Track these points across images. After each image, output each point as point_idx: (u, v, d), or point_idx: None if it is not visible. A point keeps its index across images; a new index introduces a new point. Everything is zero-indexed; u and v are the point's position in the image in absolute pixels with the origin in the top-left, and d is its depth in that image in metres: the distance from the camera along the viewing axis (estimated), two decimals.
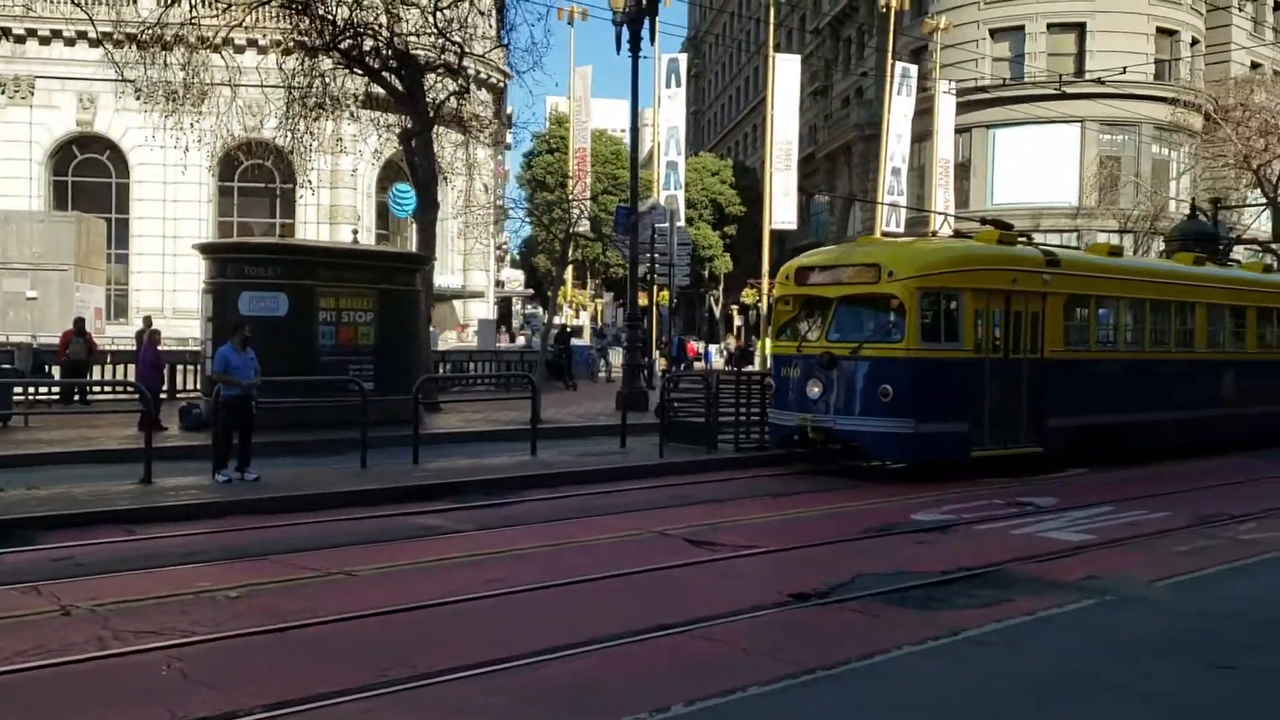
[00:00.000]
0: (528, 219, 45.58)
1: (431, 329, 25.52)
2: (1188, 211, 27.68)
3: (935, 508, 12.19)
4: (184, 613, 7.27)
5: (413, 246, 28.06)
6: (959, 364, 14.32)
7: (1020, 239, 16.44)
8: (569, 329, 40.51)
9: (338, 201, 42.55)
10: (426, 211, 22.99)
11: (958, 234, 17.58)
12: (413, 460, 14.28)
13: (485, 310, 49.89)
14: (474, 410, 22.73)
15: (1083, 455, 15.93)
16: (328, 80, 22.10)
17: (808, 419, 14.58)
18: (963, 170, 47.34)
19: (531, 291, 73.06)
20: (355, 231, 37.57)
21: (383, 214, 44.94)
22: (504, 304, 67.81)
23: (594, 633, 6.82)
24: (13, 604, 7.43)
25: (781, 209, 43.79)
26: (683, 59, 47.78)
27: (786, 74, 44.33)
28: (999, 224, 16.68)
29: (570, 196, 37.51)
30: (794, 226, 46.13)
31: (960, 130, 46.09)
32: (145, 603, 7.52)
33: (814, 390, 14.48)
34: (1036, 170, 45.47)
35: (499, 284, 64.89)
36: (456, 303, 50.88)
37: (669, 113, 46.22)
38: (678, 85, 46.61)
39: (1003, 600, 7.89)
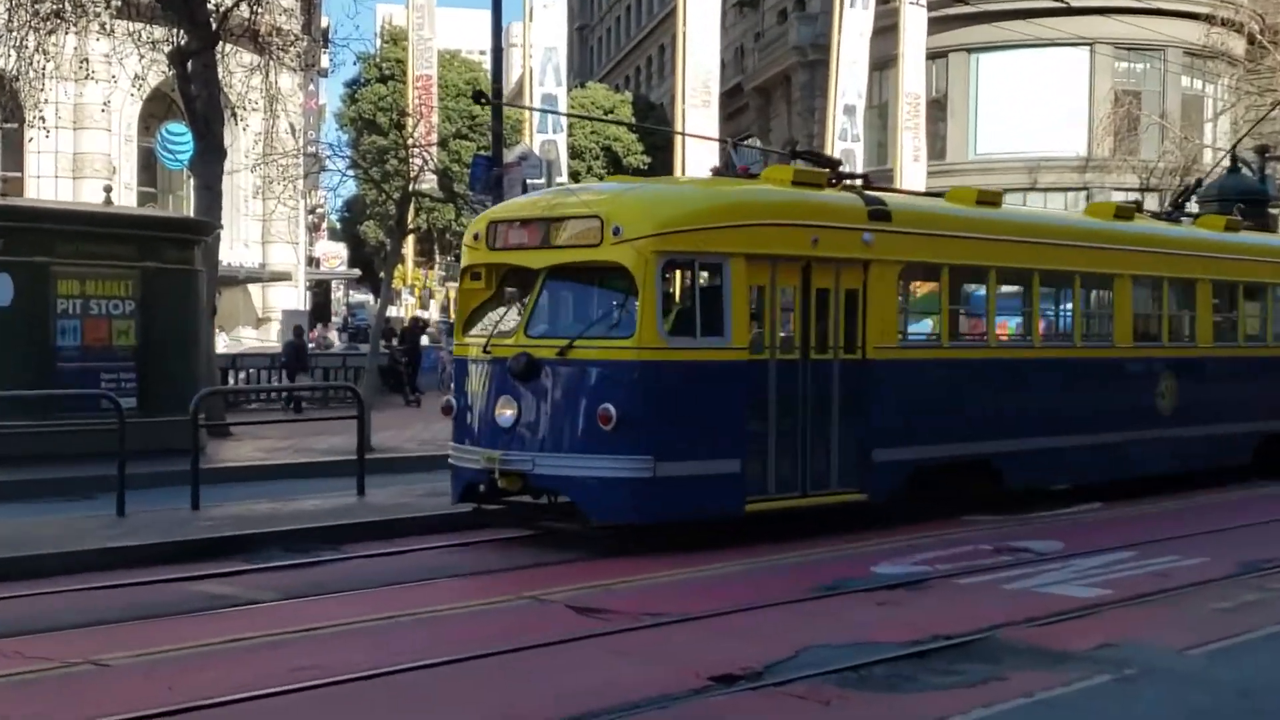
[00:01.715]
0: (352, 172, 45.02)
1: (218, 325, 25.03)
2: (1227, 163, 28.61)
3: (903, 556, 12.38)
4: None
5: (190, 210, 27.45)
6: (726, 370, 12.91)
7: (849, 182, 15.42)
8: (422, 322, 40.23)
9: (84, 147, 41.50)
10: (209, 162, 22.64)
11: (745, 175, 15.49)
12: (192, 505, 14.07)
13: (294, 298, 49.23)
14: (279, 436, 22.49)
15: (931, 499, 14.67)
16: None
17: (495, 458, 12.89)
18: (937, 109, 48.22)
19: (359, 272, 72.37)
20: (108, 189, 36.58)
21: (148, 165, 43.97)
22: (320, 289, 67.08)
23: None
24: None
25: (698, 159, 44.10)
26: None
27: None
28: (814, 157, 16.03)
29: (410, 141, 37.18)
30: None
31: (934, 55, 46.93)
32: None
33: (505, 413, 12.85)
34: (1034, 110, 46.38)
35: (313, 262, 64.18)
36: (254, 288, 50.15)
37: (545, 29, 46.18)
38: None
39: (991, 678, 8.00)
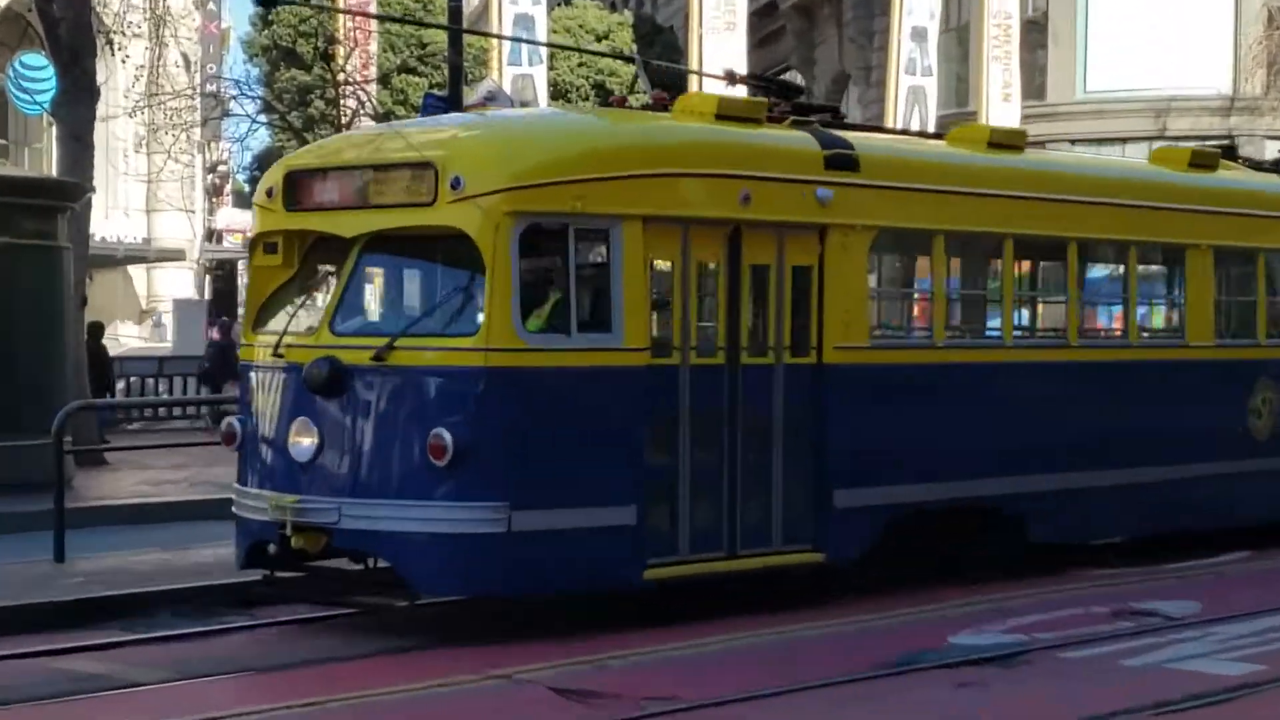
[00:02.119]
0: (264, 117, 45.11)
1: (88, 317, 25.05)
2: None
3: (991, 622, 12.33)
4: None
5: (53, 169, 27.65)
6: (615, 380, 11.84)
7: (812, 119, 14.35)
8: None
9: None
10: (77, 104, 22.77)
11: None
12: (55, 557, 14.13)
13: (188, 284, 49.30)
14: (168, 464, 22.48)
15: (918, 556, 13.77)
16: None
17: (288, 505, 11.72)
18: (1035, 33, 48.14)
19: None
20: None
21: None
22: (223, 272, 67.05)
23: None
24: None
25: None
26: None
27: None
28: (761, 82, 15.29)
29: (342, 77, 37.35)
30: None
31: None
32: None
33: (302, 442, 11.82)
34: (1160, 37, 46.37)
35: (214, 236, 64.22)
36: (136, 271, 50.18)
37: None
38: None
39: None
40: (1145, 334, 16.82)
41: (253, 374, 12.63)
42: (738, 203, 12.42)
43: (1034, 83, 47.51)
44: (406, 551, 11.55)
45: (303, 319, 12.52)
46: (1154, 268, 17.23)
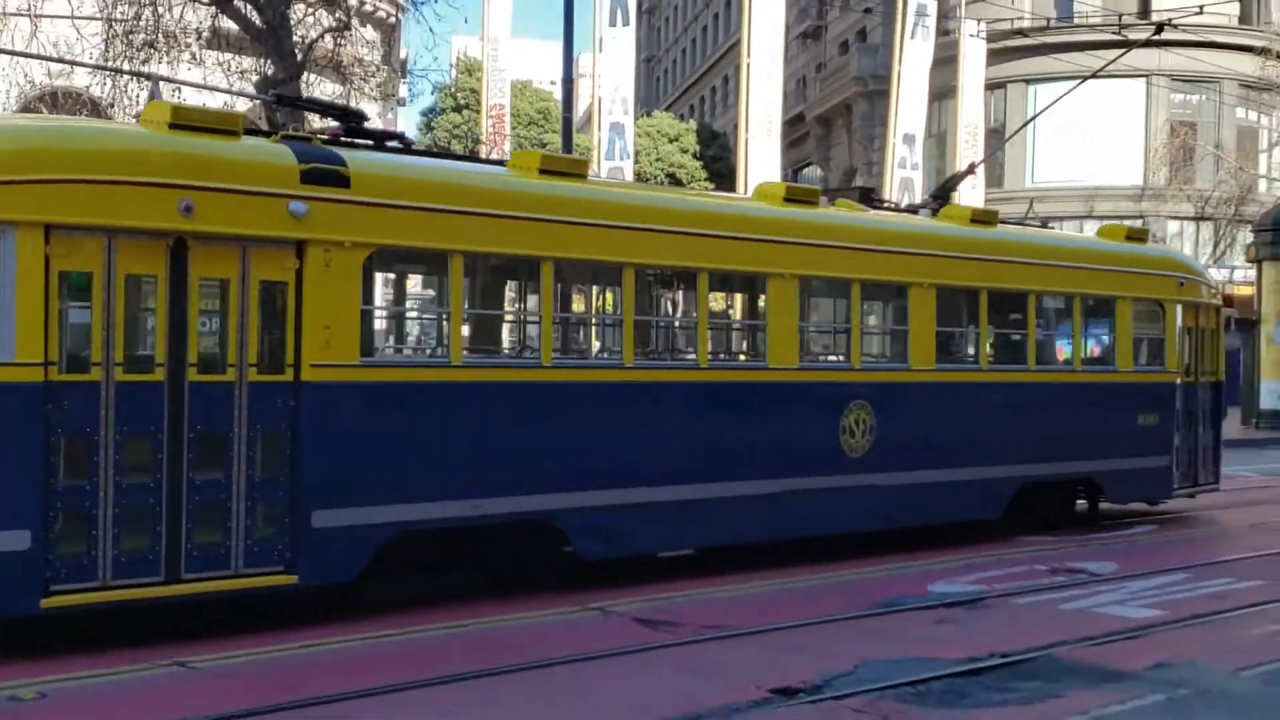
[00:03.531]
0: None
1: None
2: None
3: (960, 575, 12.34)
4: None
5: None
6: (5, 397, 8.66)
7: (306, 132, 12.02)
8: None
9: None
10: None
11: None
12: None
13: None
14: None
15: (448, 571, 11.02)
16: (161, 10, 21.98)
17: None
18: (995, 138, 48.01)
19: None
20: None
21: None
22: None
23: None
24: None
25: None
26: None
27: (767, 11, 44.73)
28: (318, 105, 12.43)
29: None
30: None
31: (992, 86, 46.74)
32: None
33: None
34: (1090, 139, 46.23)
35: None
36: None
37: (614, 59, 46.38)
38: (625, 23, 46.82)
39: (1048, 696, 7.99)
40: (724, 357, 14.26)
41: None
42: (179, 213, 9.24)
43: (994, 175, 47.39)
44: None
45: None
46: (735, 293, 15.03)
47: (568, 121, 23.64)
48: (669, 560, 12.60)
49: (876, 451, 13.25)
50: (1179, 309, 16.68)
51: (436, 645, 9.40)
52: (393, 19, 42.24)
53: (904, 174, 43.06)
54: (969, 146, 45.03)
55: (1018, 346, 15.33)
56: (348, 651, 9.09)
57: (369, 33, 36.34)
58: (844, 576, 12.40)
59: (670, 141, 60.99)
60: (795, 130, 58.83)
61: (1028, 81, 47.82)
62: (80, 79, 26.54)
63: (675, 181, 59.51)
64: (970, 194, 43.97)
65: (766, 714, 7.59)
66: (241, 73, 24.39)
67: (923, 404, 13.91)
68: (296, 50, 22.22)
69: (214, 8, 21.97)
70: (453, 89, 58.53)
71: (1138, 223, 42.91)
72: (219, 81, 24.43)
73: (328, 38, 23.63)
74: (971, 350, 15.11)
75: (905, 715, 7.55)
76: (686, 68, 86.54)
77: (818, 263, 13.30)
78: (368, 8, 37.76)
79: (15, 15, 22.79)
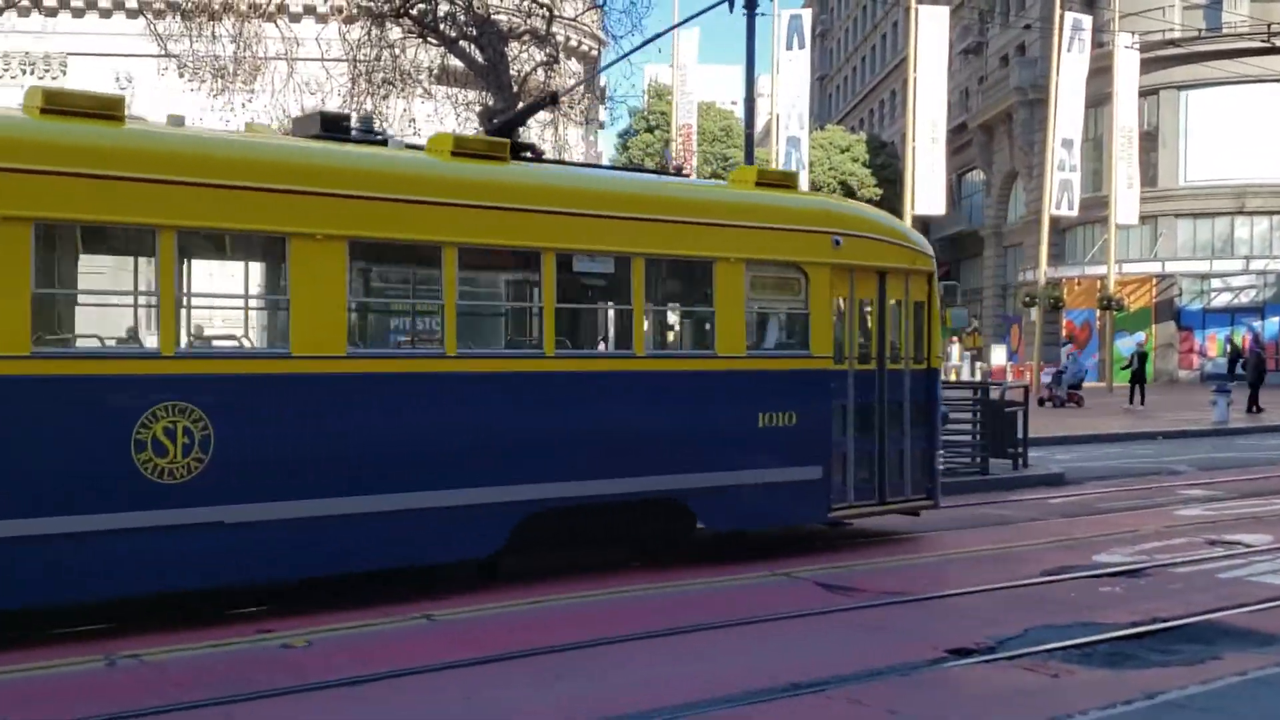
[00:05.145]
0: None
1: None
2: None
3: (1124, 547, 12.00)
4: None
5: None
6: None
7: None
8: None
9: None
10: None
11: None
12: None
13: None
14: None
15: None
16: (397, 52, 22.71)
17: None
18: (1149, 140, 46.35)
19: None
20: None
21: None
22: None
23: (710, 691, 6.92)
24: None
25: (926, 191, 43.35)
26: (806, 15, 47.64)
27: (932, 29, 43.93)
28: None
29: None
30: (942, 211, 45.66)
31: (1145, 93, 45.14)
32: None
33: None
34: (1240, 139, 44.38)
35: None
36: None
37: (790, 79, 46.17)
38: (800, 47, 46.54)
39: (1207, 658, 7.77)
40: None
41: None
42: None
43: (1149, 175, 45.77)
44: None
45: None
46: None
47: (749, 137, 23.60)
48: (849, 532, 12.55)
49: (212, 476, 8.31)
50: (828, 274, 11.50)
51: (638, 603, 9.56)
52: (595, 52, 42.81)
53: (1063, 176, 41.83)
54: (1124, 149, 43.55)
55: (520, 324, 11.31)
56: (576, 606, 9.33)
57: (574, 65, 36.93)
58: (1012, 548, 12.16)
59: (841, 152, 60.43)
60: (959, 138, 57.62)
61: (1179, 88, 46.08)
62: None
63: (847, 189, 58.87)
64: (1127, 194, 42.58)
65: (942, 671, 7.56)
66: (466, 104, 25.05)
67: (310, 406, 8.83)
68: (513, 83, 22.73)
69: (443, 48, 22.60)
70: (645, 113, 59.05)
71: None
72: (447, 112, 25.17)
73: (539, 71, 24.09)
74: (424, 328, 10.66)
75: (1072, 674, 7.43)
76: (857, 84, 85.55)
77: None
78: (573, 43, 38.33)
79: (275, 59, 23.83)
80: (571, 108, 26.96)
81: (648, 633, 8.36)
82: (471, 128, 26.24)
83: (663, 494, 10.56)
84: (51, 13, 42.85)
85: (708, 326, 11.09)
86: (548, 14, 22.75)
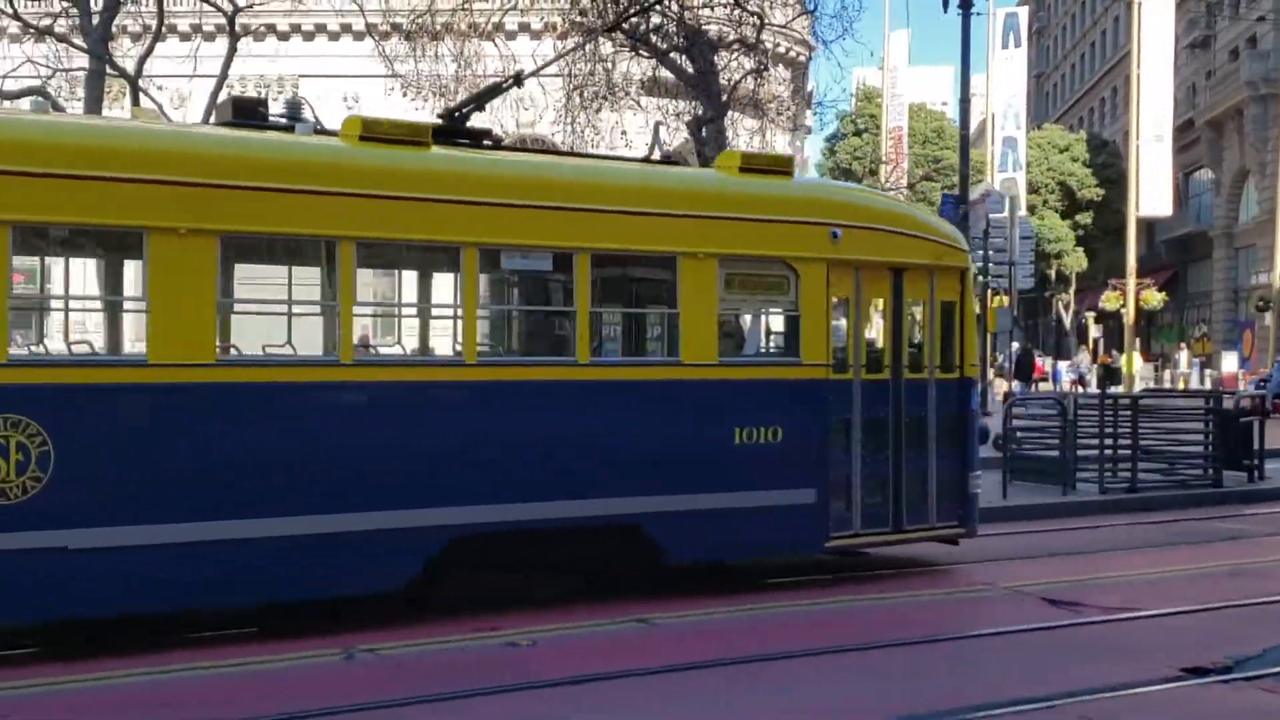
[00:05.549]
0: None
1: None
2: None
3: None
4: None
5: None
6: None
7: None
8: None
9: None
10: None
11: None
12: None
13: None
14: None
15: None
16: (609, 65, 23.14)
17: None
18: None
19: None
20: None
21: None
22: None
23: (935, 703, 6.87)
24: None
25: (1151, 191, 41.73)
26: (1022, 13, 46.54)
27: (1156, 23, 42.28)
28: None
29: (885, 185, 37.34)
30: (1168, 212, 43.84)
31: None
32: None
33: None
34: None
35: None
36: None
37: (1005, 79, 45.15)
38: (1016, 45, 45.46)
39: None
40: None
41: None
42: None
43: None
44: None
45: None
46: None
47: (965, 138, 23.24)
48: (1062, 549, 12.18)
49: (53, 496, 7.45)
50: (823, 271, 10.06)
51: (865, 614, 9.53)
52: (804, 58, 42.74)
53: None
54: None
55: (444, 329, 9.99)
56: (785, 615, 9.37)
57: (781, 72, 36.94)
58: (1249, 563, 11.60)
59: (1060, 151, 58.53)
60: (1185, 136, 55.10)
61: None
62: (543, 127, 28.32)
63: (1066, 189, 56.92)
64: None
65: (1179, 690, 7.28)
66: (676, 115, 25.32)
67: (172, 420, 7.89)
68: (723, 92, 22.88)
69: (654, 60, 22.93)
70: (853, 116, 58.49)
71: None
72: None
73: (748, 79, 24.17)
74: (320, 333, 9.16)
75: None
76: (1075, 81, 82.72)
77: None
78: (781, 49, 38.30)
79: (492, 77, 24.58)
80: (780, 114, 26.94)
81: (871, 644, 8.36)
82: (681, 138, 26.55)
83: (614, 519, 9.26)
84: (284, 37, 45.30)
85: (671, 331, 9.70)
86: (758, 22, 22.80)
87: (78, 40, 21.89)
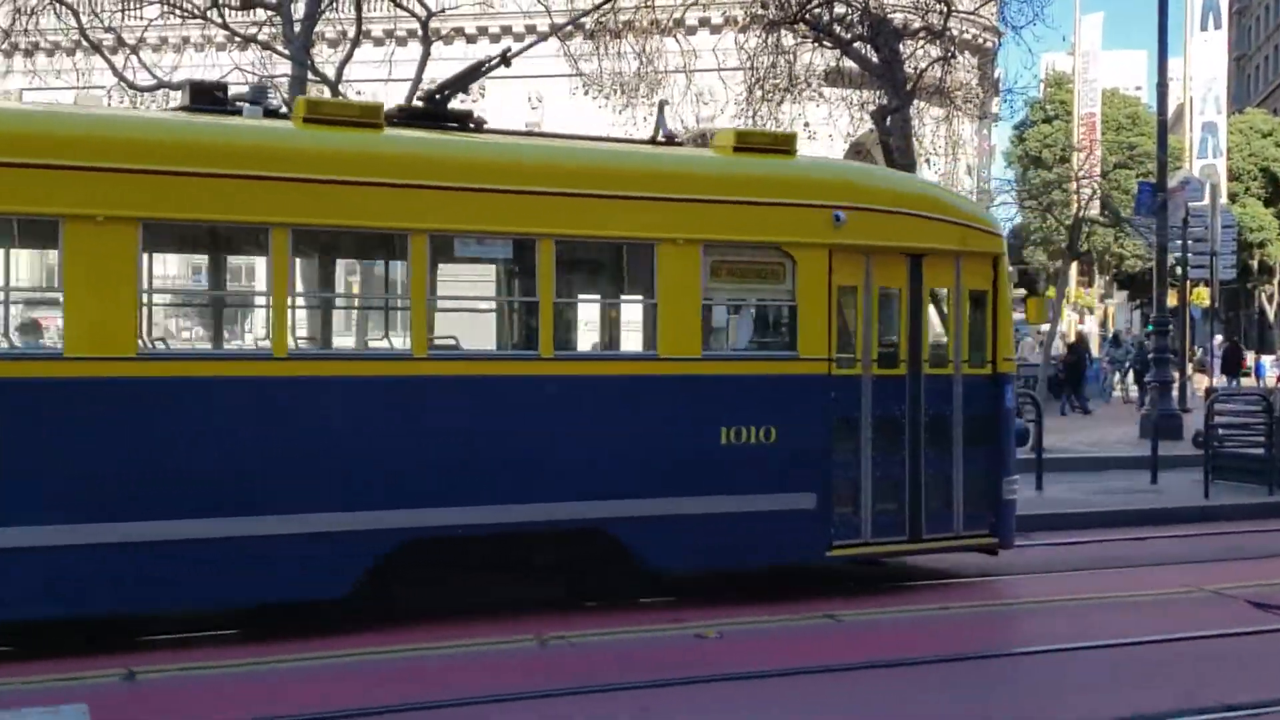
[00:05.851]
0: (1019, 203, 44.49)
1: None
2: None
3: None
4: None
5: None
6: None
7: None
8: (1081, 337, 39.12)
9: None
10: None
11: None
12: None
13: None
14: None
15: None
16: (791, 58, 23.01)
17: None
18: None
19: (1024, 292, 70.96)
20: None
21: None
22: None
23: (1136, 706, 6.75)
24: None
25: None
26: None
27: None
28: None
29: (1077, 173, 36.14)
30: None
31: None
32: None
33: None
34: None
35: None
36: None
37: (1204, 62, 43.29)
38: (1215, 27, 43.54)
39: None
40: None
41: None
42: None
43: None
44: None
45: None
46: None
47: (1163, 124, 22.42)
48: (1269, 552, 11.65)
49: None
50: (824, 258, 9.25)
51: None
52: (991, 44, 41.84)
53: None
54: None
55: (393, 321, 9.77)
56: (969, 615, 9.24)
57: (968, 59, 36.25)
58: None
59: (1264, 137, 55.91)
60: None
61: None
62: (723, 121, 28.34)
63: (1269, 175, 54.28)
64: None
65: None
66: (860, 105, 25.04)
67: (86, 416, 7.50)
68: (908, 81, 22.52)
69: (837, 50, 22.71)
70: (1042, 103, 56.84)
71: None
72: (841, 114, 25.15)
73: (935, 67, 23.74)
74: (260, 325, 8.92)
75: None
76: (1279, 64, 78.75)
77: None
78: (967, 36, 37.47)
79: (674, 72, 24.73)
80: (967, 103, 26.37)
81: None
82: (865, 128, 26.28)
83: (582, 524, 8.65)
84: (472, 40, 46.34)
85: (649, 323, 9.03)
86: (944, 9, 22.35)
87: (279, 47, 22.83)
